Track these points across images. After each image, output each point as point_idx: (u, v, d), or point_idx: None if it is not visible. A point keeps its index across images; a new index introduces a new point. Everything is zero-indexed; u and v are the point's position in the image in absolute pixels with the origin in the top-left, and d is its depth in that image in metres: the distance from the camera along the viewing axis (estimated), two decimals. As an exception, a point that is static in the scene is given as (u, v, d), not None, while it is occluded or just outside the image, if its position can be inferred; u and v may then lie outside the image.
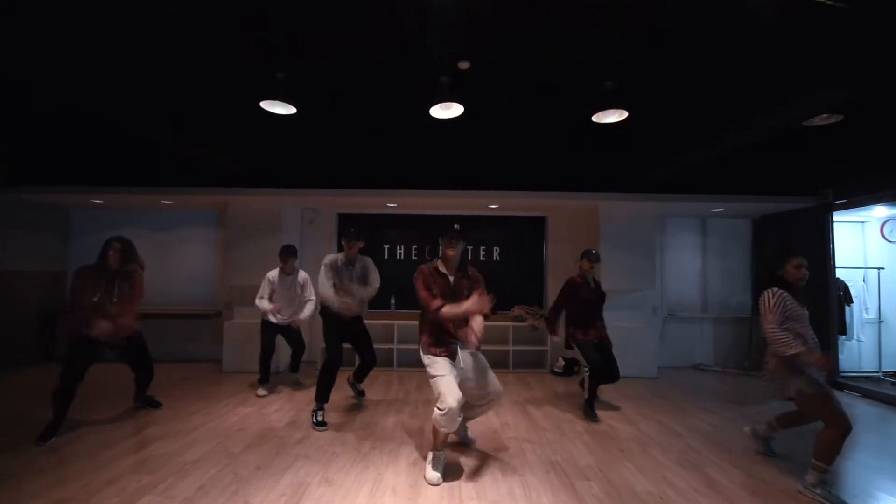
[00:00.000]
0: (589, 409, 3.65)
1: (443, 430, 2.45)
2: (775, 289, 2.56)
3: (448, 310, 2.54)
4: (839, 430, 2.33)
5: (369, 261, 3.64)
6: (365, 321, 3.73)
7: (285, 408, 3.78)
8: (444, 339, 2.65)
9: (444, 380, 2.47)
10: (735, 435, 3.27)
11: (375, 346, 3.77)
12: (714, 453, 2.93)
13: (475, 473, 2.59)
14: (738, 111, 3.74)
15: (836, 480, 2.56)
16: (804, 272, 2.56)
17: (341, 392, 4.12)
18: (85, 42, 3.02)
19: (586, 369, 3.67)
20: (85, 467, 2.56)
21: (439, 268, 2.69)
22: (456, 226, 2.70)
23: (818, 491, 2.33)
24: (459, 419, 2.47)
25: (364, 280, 3.55)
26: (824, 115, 3.79)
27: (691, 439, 3.19)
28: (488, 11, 2.69)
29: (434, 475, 2.47)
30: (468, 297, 2.64)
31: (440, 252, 2.73)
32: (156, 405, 3.71)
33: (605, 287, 4.02)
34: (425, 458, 2.68)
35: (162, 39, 3.01)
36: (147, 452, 2.78)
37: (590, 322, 3.73)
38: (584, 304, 3.74)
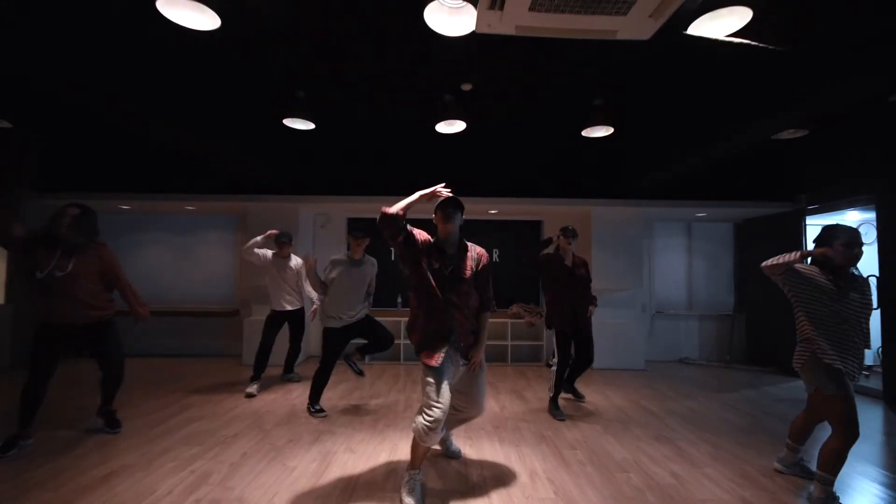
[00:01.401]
0: (554, 407, 3.63)
1: (423, 443, 2.16)
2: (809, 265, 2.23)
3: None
4: (848, 440, 2.12)
5: (375, 266, 3.70)
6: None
7: (304, 394, 4.15)
8: (439, 341, 2.25)
9: (439, 386, 2.16)
10: (710, 417, 3.68)
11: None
12: (688, 431, 3.33)
13: (477, 445, 2.99)
14: (717, 127, 4.16)
15: (840, 492, 2.28)
16: (856, 252, 2.13)
17: (354, 381, 4.51)
18: (116, 52, 3.16)
19: (554, 361, 3.63)
20: (139, 441, 2.96)
21: (439, 245, 2.38)
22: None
23: None
24: (442, 433, 2.23)
25: (367, 284, 3.69)
26: (791, 130, 4.22)
27: (669, 420, 3.59)
28: (490, 40, 3.08)
29: (410, 501, 2.14)
30: (471, 281, 2.32)
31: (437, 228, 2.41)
32: (115, 426, 3.10)
33: (596, 286, 4.15)
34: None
35: (184, 54, 3.22)
36: (192, 429, 3.19)
37: (568, 302, 3.64)
38: (558, 278, 3.65)
